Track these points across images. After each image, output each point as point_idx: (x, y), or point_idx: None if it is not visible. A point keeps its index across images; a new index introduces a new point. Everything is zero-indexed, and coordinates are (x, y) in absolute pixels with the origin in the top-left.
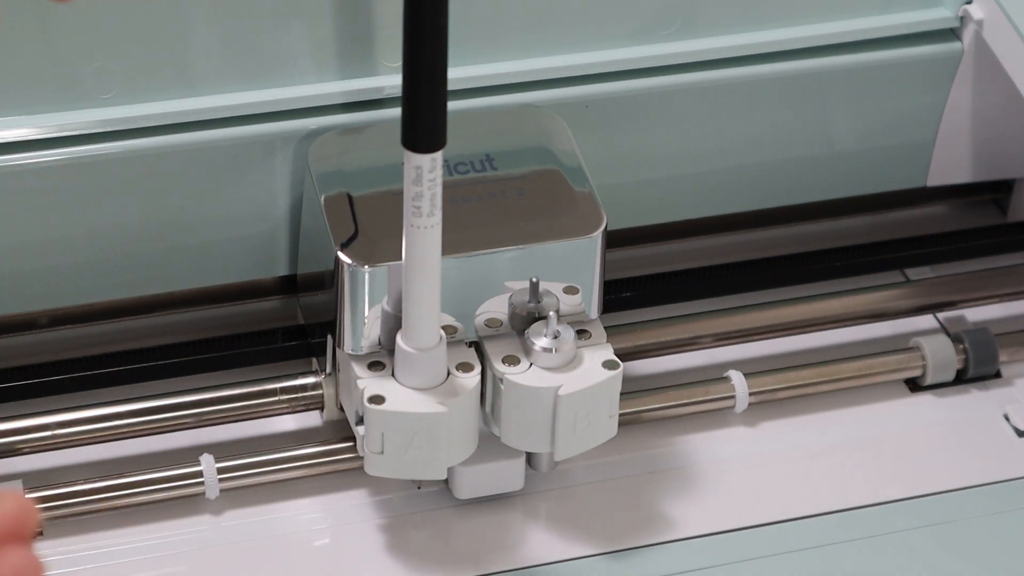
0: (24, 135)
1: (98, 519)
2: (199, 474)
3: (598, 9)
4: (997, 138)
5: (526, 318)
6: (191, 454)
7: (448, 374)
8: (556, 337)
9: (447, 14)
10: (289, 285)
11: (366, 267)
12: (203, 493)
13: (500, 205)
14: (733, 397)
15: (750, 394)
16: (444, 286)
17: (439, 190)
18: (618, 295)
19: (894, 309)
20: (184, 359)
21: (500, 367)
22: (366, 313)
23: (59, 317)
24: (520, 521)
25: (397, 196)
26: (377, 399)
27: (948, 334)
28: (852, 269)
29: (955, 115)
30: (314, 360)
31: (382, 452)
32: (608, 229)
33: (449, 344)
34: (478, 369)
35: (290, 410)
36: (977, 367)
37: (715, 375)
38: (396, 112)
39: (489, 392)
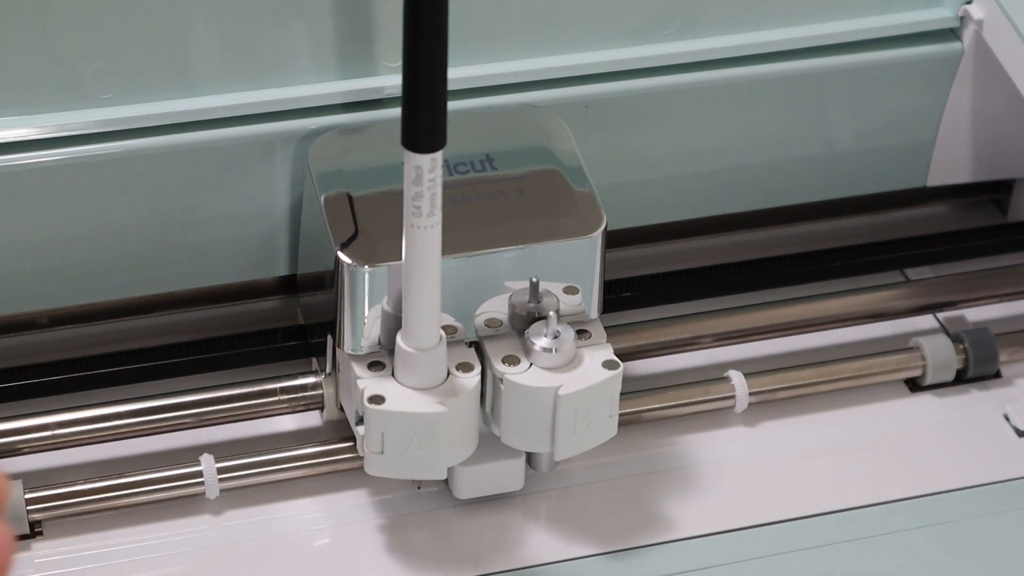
0: (24, 135)
1: (98, 519)
2: (199, 474)
3: (598, 9)
4: (997, 138)
5: (526, 318)
6: (191, 454)
7: (448, 374)
8: (556, 337)
9: (447, 14)
10: (289, 285)
11: (366, 267)
12: (203, 493)
13: (500, 205)
14: (733, 397)
15: (750, 394)
16: (444, 286)
17: (439, 190)
18: (618, 295)
19: (894, 309)
20: (184, 359)
21: (500, 367)
22: (366, 313)
23: (59, 317)
24: (520, 521)
25: (397, 196)
26: (377, 399)
27: (948, 334)
28: (852, 269)
29: (955, 115)
30: (314, 360)
31: (382, 452)
32: (608, 229)
33: (449, 344)
34: (478, 369)
35: (290, 410)
36: (977, 367)
37: (715, 375)
38: (396, 112)
39: (489, 392)
